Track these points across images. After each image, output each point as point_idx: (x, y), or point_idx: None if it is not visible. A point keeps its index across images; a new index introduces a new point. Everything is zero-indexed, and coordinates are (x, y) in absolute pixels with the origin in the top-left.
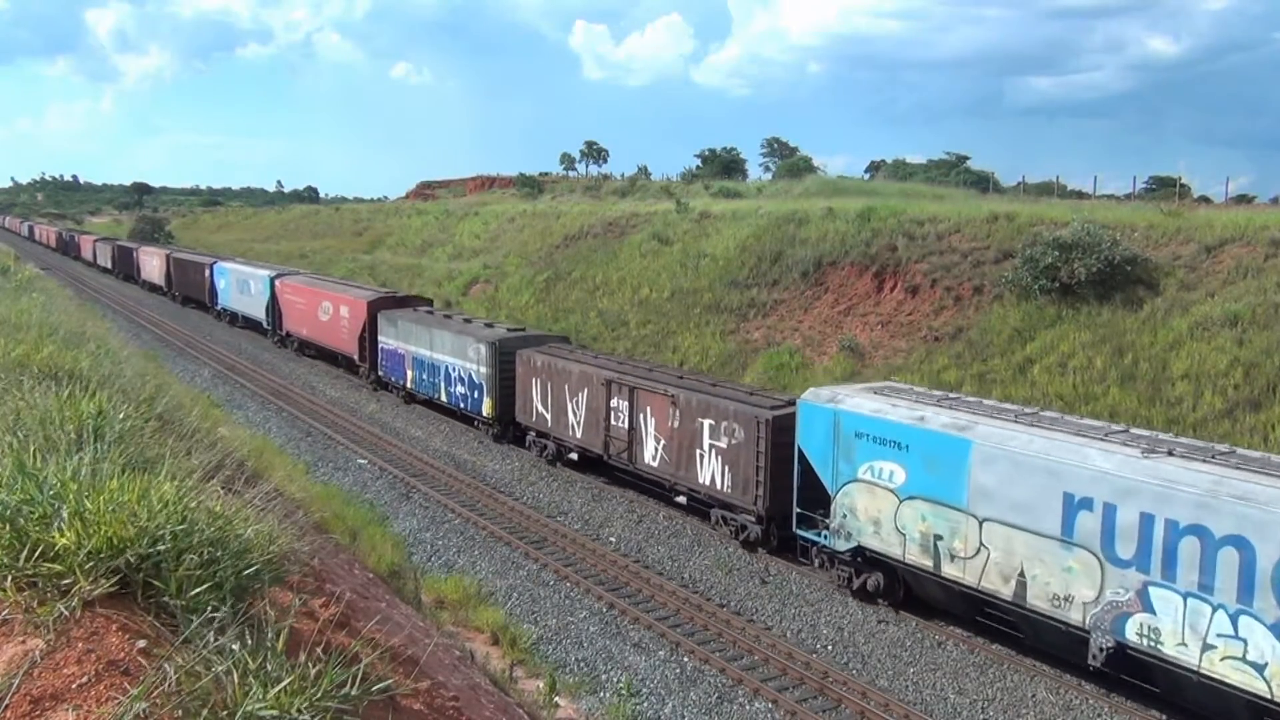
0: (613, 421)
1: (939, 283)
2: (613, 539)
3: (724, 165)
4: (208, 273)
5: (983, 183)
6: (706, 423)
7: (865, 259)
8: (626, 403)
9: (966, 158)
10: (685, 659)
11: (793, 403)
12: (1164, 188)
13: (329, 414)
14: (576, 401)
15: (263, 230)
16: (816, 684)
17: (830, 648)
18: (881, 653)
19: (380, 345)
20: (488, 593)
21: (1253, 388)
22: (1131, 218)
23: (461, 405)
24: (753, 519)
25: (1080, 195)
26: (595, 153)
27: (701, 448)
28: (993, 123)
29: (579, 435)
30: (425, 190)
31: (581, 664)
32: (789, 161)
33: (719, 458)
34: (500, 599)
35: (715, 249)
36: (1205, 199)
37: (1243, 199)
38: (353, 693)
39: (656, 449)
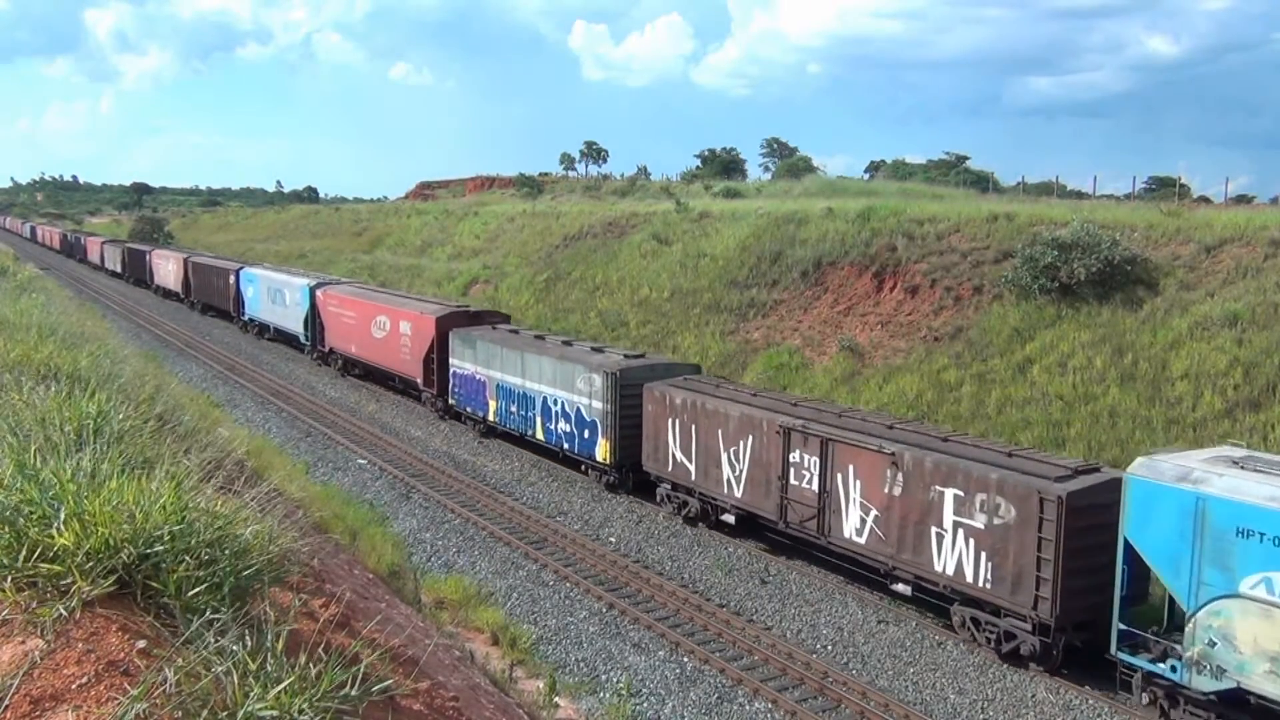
0: (793, 480)
1: (938, 283)
2: (612, 539)
3: (724, 165)
4: (233, 279)
5: (982, 183)
6: (950, 493)
7: (865, 259)
8: (815, 458)
9: (966, 158)
10: (685, 659)
11: (1091, 471)
12: (1164, 188)
13: (329, 414)
14: (735, 451)
15: (262, 230)
16: (816, 684)
17: (830, 648)
18: (881, 653)
19: (452, 369)
20: (487, 593)
21: (1252, 387)
22: (1131, 218)
23: (566, 446)
24: (1027, 627)
25: (1080, 195)
26: (595, 153)
27: (941, 525)
28: (992, 123)
29: (739, 494)
30: (425, 190)
31: (581, 664)
32: (789, 161)
33: (970, 541)
34: (500, 599)
35: (715, 249)
36: (1205, 199)
37: (1242, 199)
38: (353, 693)
39: (864, 522)
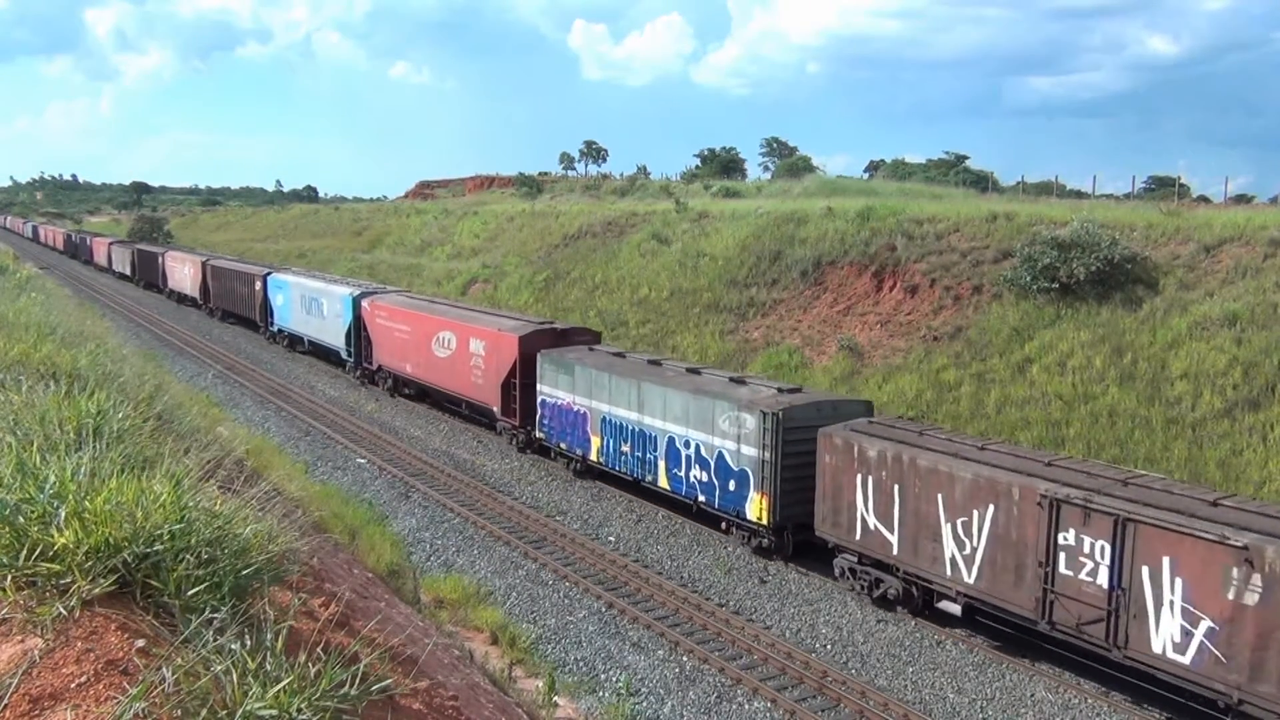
0: (1064, 569)
1: (938, 282)
2: (612, 538)
3: (723, 165)
4: (259, 285)
5: (982, 182)
6: None
7: (864, 258)
8: (1104, 543)
9: (965, 157)
10: (684, 658)
11: None
12: (1163, 187)
13: (328, 413)
14: (966, 524)
15: (262, 230)
16: (815, 683)
17: (829, 647)
18: (880, 652)
19: (540, 397)
20: (487, 592)
21: (1251, 387)
22: (1130, 217)
23: (701, 498)
24: None
25: (1079, 195)
26: (594, 152)
27: None
28: (992, 122)
29: (970, 579)
30: (424, 190)
31: (580, 663)
32: (788, 161)
33: None
34: (499, 598)
35: (714, 249)
36: (1204, 199)
37: (1242, 199)
38: (352, 692)
39: (1190, 637)
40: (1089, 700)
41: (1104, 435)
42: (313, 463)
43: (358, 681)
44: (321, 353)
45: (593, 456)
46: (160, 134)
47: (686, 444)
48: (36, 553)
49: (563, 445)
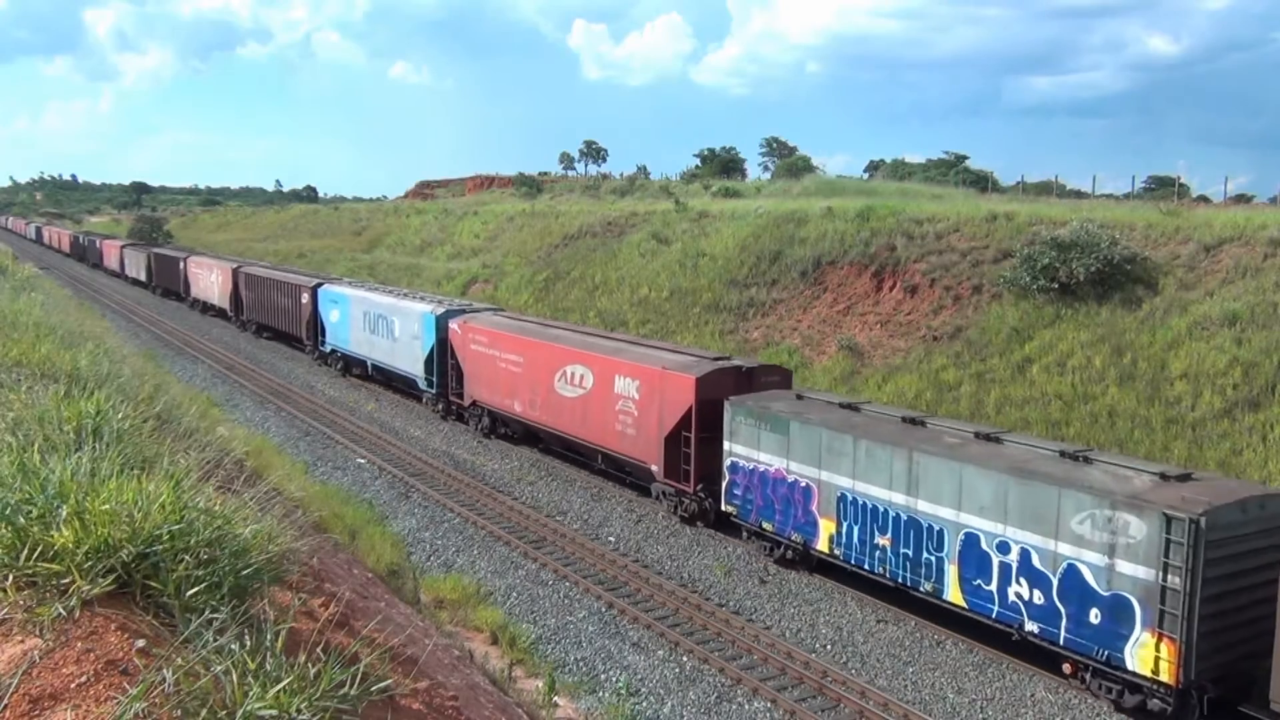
0: None
1: (938, 282)
2: (611, 538)
3: (723, 165)
4: (306, 298)
5: (981, 182)
6: None
7: (864, 258)
8: None
9: (965, 157)
10: (684, 658)
11: None
12: (1163, 187)
13: (328, 413)
14: None
15: (262, 230)
16: (815, 683)
17: (829, 647)
18: (880, 652)
19: (731, 459)
20: (487, 592)
21: (1251, 387)
22: (1130, 217)
23: (1033, 627)
24: None
25: (1079, 195)
26: (594, 152)
27: None
28: (991, 122)
29: None
30: (424, 190)
31: (580, 663)
32: (788, 161)
33: None
34: (499, 598)
35: (714, 248)
36: (1204, 198)
37: (1241, 199)
38: (352, 692)
39: None
40: (1089, 700)
41: (1104, 435)
42: (313, 463)
43: (358, 681)
44: (389, 380)
45: (820, 545)
46: (160, 134)
47: (1002, 547)
48: (36, 553)
49: (766, 525)
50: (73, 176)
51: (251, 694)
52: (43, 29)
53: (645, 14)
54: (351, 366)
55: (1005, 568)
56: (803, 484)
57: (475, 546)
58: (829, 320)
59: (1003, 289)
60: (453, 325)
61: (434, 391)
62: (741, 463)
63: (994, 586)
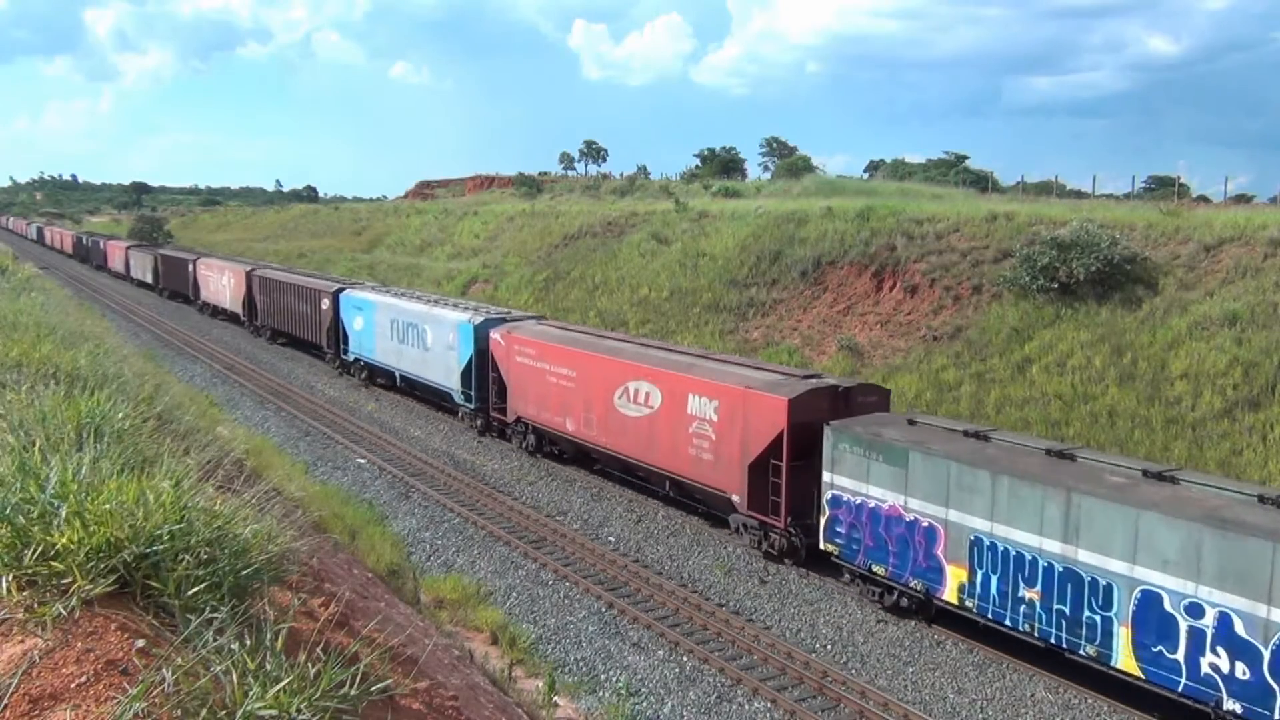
0: None
1: (938, 282)
2: (612, 538)
3: (723, 165)
4: (326, 303)
5: (981, 182)
6: None
7: (864, 258)
8: None
9: (965, 157)
10: (684, 658)
11: None
12: (1163, 187)
13: (328, 413)
14: None
15: (262, 230)
16: (815, 683)
17: (829, 647)
18: (880, 652)
19: (833, 491)
20: (487, 592)
21: (1251, 387)
22: (1130, 217)
23: (1235, 706)
24: None
25: (1079, 195)
26: (594, 152)
27: None
28: (991, 122)
29: None
30: (424, 190)
31: (580, 663)
32: (788, 161)
33: None
34: (499, 599)
35: (714, 248)
36: (1204, 198)
37: (1241, 199)
38: (352, 692)
39: None
40: (1089, 700)
41: (1104, 435)
42: (313, 463)
43: (358, 681)
44: (420, 392)
45: (947, 595)
46: (160, 134)
47: (1193, 610)
48: (37, 552)
49: (876, 568)
50: (73, 176)
51: (251, 694)
52: (43, 29)
53: (645, 14)
54: (376, 376)
55: (1197, 634)
56: (925, 524)
57: (475, 546)
58: (829, 320)
59: (1003, 289)
60: (494, 335)
61: (472, 406)
62: (846, 496)
63: (1181, 655)
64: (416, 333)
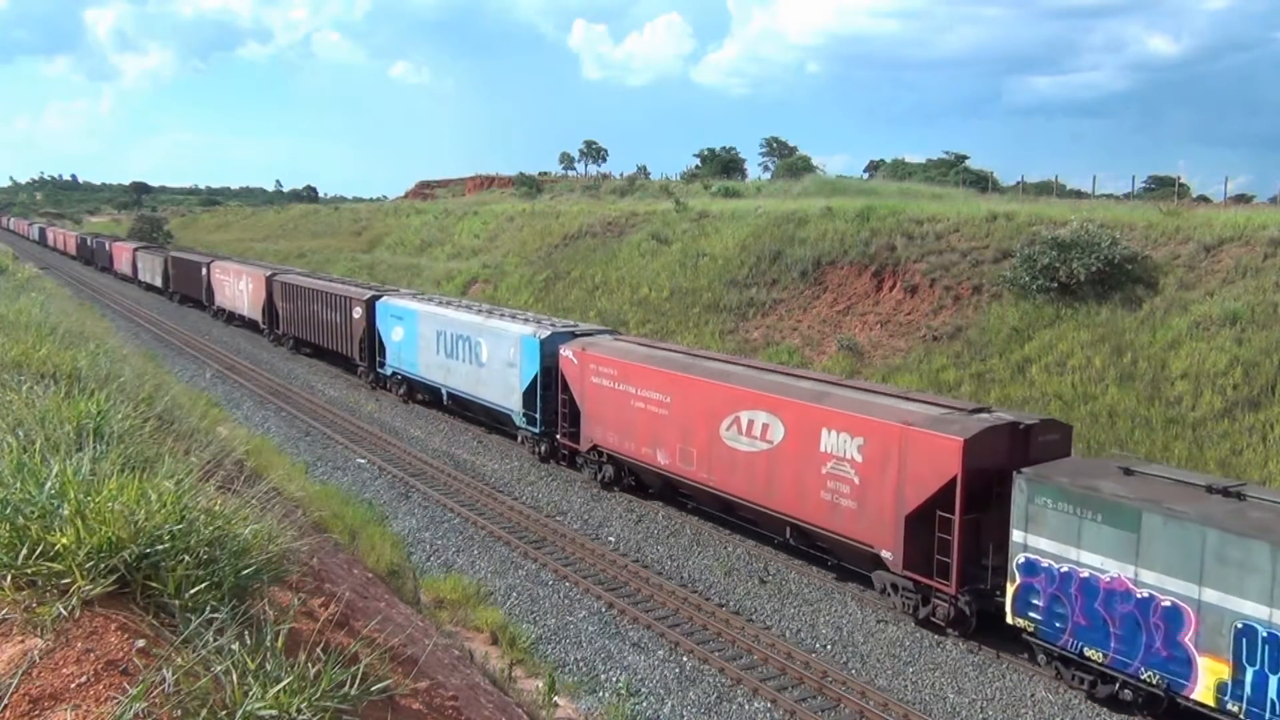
0: None
1: (938, 282)
2: (612, 538)
3: (723, 165)
4: (358, 312)
5: (982, 182)
6: None
7: (864, 258)
8: None
9: (965, 157)
10: (684, 658)
11: None
12: (1163, 187)
13: (328, 413)
14: None
15: (262, 230)
16: (815, 683)
17: (829, 647)
18: (880, 652)
19: (1027, 556)
20: (487, 592)
21: (1252, 387)
22: (1130, 217)
23: None
24: None
25: (1079, 195)
26: (594, 152)
27: None
28: (992, 122)
29: None
30: (424, 190)
31: (581, 663)
32: (788, 161)
33: None
34: (499, 599)
35: (714, 248)
36: (1204, 198)
37: (1241, 198)
38: (352, 692)
39: None
40: (1089, 700)
41: (1104, 435)
42: (313, 463)
43: (358, 682)
44: (472, 412)
45: (1199, 694)
46: (160, 134)
47: None
48: (37, 552)
49: (1091, 652)
50: (73, 176)
51: (251, 694)
52: (43, 29)
53: (645, 14)
54: (416, 392)
55: None
56: (1165, 603)
57: (475, 546)
58: (829, 320)
59: (1003, 289)
60: (564, 352)
61: (536, 431)
62: (1046, 563)
63: None
64: (469, 346)
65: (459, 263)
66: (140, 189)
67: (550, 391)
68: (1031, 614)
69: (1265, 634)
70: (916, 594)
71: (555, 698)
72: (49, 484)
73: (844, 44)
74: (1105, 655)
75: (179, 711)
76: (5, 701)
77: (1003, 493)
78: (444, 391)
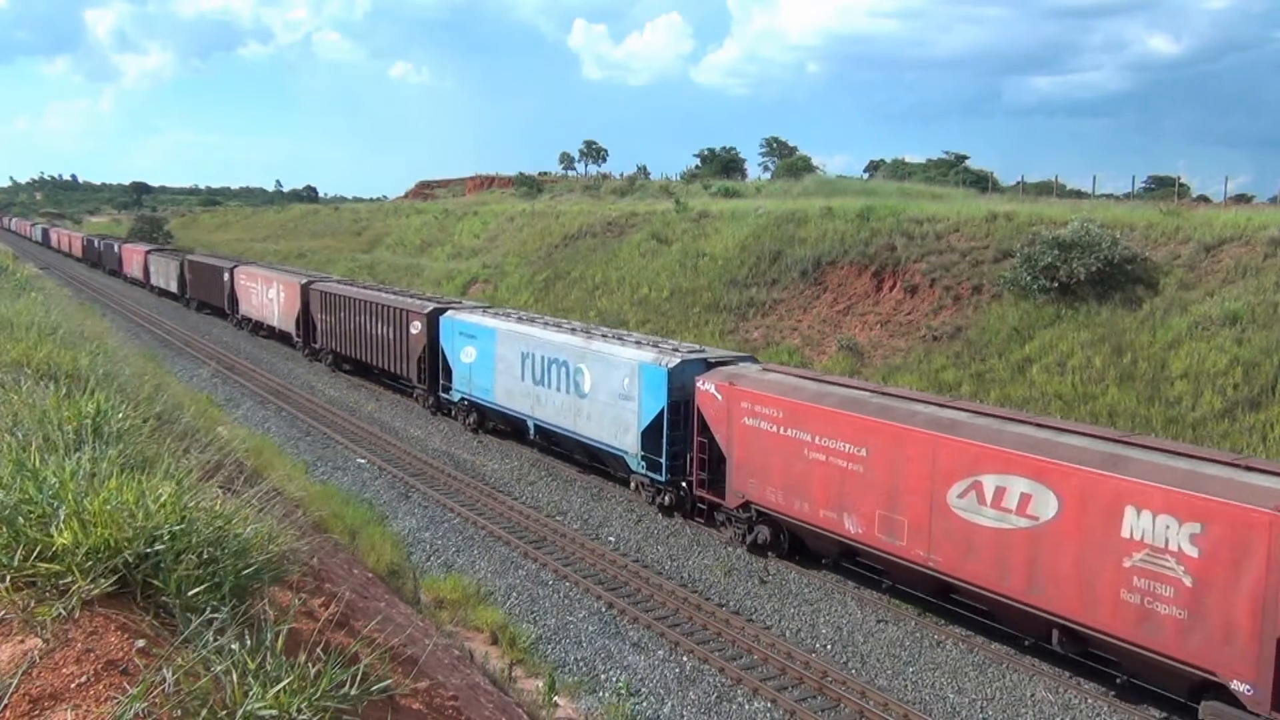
0: None
1: (938, 282)
2: (612, 538)
3: (723, 165)
4: (418, 327)
5: (982, 182)
6: None
7: (864, 258)
8: None
9: (965, 157)
10: (684, 658)
11: None
12: (1163, 187)
13: (328, 413)
14: None
15: (262, 230)
16: (815, 683)
17: (829, 647)
18: (880, 652)
19: None
20: (487, 592)
21: (1252, 387)
22: (1130, 217)
23: None
24: None
25: (1079, 195)
26: (594, 152)
27: None
28: (992, 122)
29: None
30: (424, 190)
31: (580, 663)
32: (788, 161)
33: None
34: (499, 598)
35: (714, 248)
36: (1204, 198)
37: (1242, 198)
38: (352, 692)
39: None
40: (1089, 700)
41: None
42: (313, 463)
43: (358, 682)
44: (566, 448)
45: None
46: (160, 134)
47: None
48: (36, 553)
49: None
50: (73, 176)
51: (251, 694)
52: (43, 29)
53: (645, 14)
54: (488, 420)
55: None
56: None
57: (475, 546)
58: (829, 320)
59: (1003, 289)
60: (701, 385)
61: (662, 479)
62: None
63: None
64: (566, 373)
65: (459, 263)
66: (140, 189)
67: (679, 432)
68: None
69: None
70: None
71: (555, 697)
72: (48, 484)
73: (844, 44)
74: None
75: (179, 711)
76: (5, 701)
77: None
78: (530, 424)
